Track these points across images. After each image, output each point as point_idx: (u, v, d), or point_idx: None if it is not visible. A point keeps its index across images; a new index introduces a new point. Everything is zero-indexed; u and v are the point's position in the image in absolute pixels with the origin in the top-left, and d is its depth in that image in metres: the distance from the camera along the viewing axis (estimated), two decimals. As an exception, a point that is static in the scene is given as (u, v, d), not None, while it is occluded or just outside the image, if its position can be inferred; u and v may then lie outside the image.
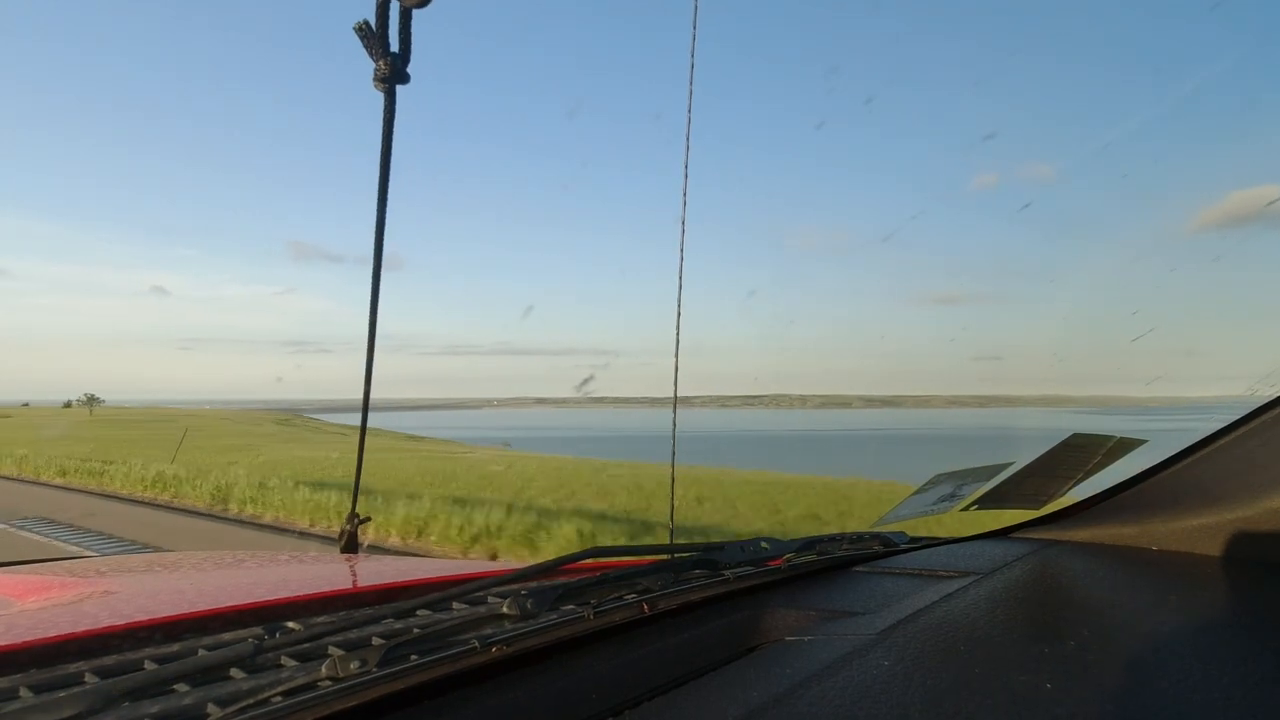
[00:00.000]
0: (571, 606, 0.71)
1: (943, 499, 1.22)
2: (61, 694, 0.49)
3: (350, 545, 1.36)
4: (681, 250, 1.34)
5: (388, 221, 0.99)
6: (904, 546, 1.11)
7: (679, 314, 1.36)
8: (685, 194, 1.32)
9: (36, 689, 0.52)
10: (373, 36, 0.85)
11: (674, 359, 1.36)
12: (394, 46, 0.86)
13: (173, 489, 12.83)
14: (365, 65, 0.87)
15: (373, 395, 1.20)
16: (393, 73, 0.87)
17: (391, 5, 0.84)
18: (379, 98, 0.90)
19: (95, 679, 0.54)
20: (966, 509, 1.18)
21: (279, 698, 0.49)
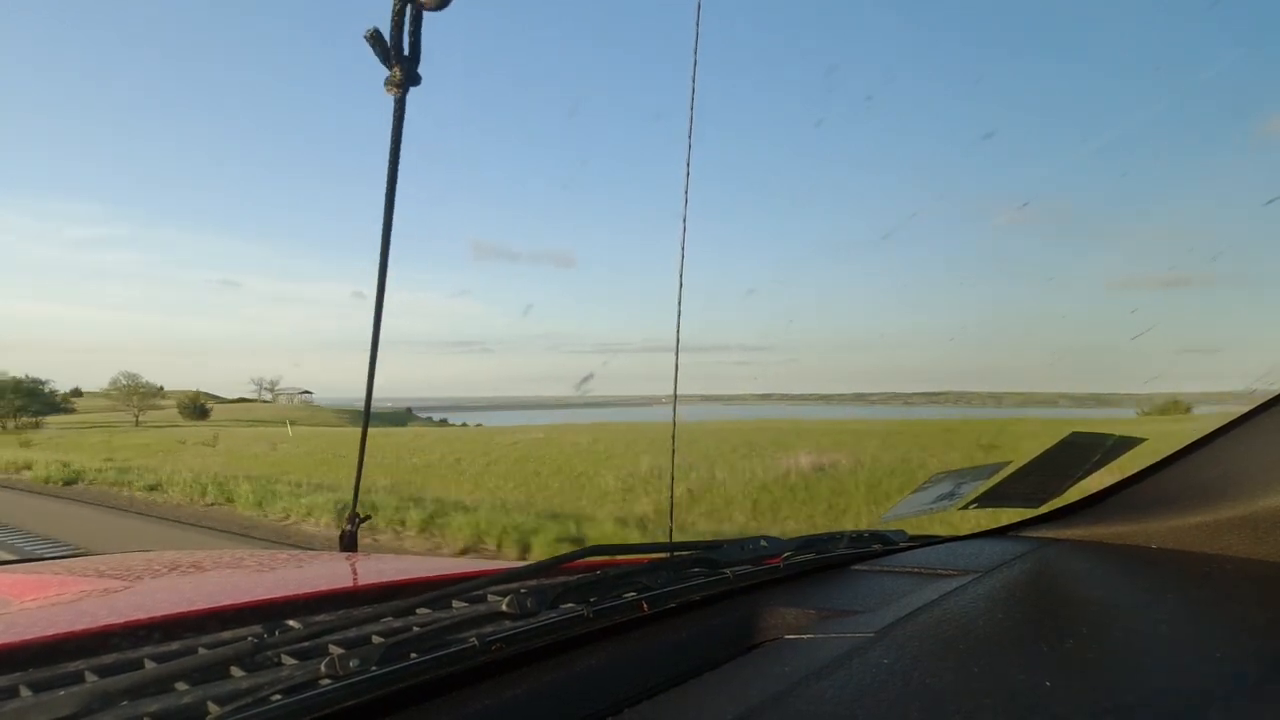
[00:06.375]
0: (570, 605, 0.71)
1: (941, 497, 1.22)
2: (61, 692, 0.49)
3: (350, 544, 1.37)
4: (683, 251, 1.33)
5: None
6: (903, 545, 1.11)
7: (679, 312, 1.36)
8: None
9: (36, 687, 0.52)
10: (384, 43, 0.85)
11: (674, 355, 1.37)
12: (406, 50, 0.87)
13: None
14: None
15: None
16: (406, 77, 0.88)
17: (407, 9, 0.84)
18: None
19: (95, 677, 0.54)
20: (965, 507, 1.18)
21: (278, 696, 0.49)
